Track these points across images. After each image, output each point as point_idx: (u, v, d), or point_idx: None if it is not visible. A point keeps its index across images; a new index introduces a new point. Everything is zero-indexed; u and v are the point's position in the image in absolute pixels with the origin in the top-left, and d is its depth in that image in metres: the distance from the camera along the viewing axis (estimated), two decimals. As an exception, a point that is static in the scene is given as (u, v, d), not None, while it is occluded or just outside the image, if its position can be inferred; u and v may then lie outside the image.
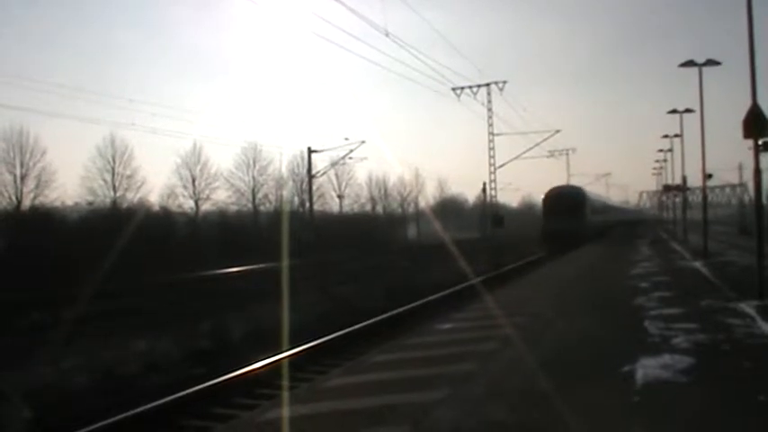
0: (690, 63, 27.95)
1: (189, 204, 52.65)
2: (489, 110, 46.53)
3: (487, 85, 45.43)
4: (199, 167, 53.05)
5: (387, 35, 21.15)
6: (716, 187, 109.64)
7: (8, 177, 42.71)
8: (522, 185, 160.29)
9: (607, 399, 7.25)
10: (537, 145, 49.34)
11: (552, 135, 50.11)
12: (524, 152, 49.60)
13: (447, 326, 12.72)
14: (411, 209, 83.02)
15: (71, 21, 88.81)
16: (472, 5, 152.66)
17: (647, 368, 8.52)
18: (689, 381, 7.99)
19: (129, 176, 48.21)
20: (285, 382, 10.65)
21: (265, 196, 58.29)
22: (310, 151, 53.81)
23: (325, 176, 60.92)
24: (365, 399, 7.48)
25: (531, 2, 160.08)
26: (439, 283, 24.11)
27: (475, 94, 44.26)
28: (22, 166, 43.31)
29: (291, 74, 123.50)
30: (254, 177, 57.30)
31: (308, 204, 57.13)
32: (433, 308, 18.53)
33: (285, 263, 22.78)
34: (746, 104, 15.38)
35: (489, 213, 54.56)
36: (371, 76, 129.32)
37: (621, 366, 8.61)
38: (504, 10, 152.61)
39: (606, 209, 66.86)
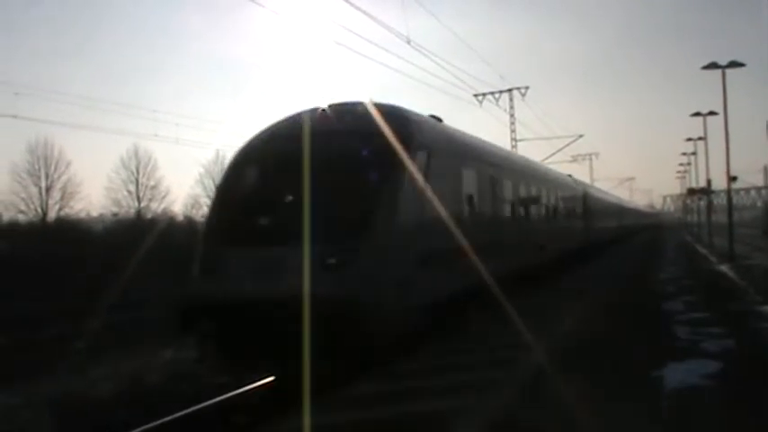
0: (713, 65, 27.66)
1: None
2: (512, 116, 46.25)
3: (509, 90, 45.19)
4: (222, 177, 53.24)
5: (408, 42, 21.03)
6: (740, 190, 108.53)
7: (33, 189, 43.35)
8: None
9: (635, 404, 7.17)
10: (560, 150, 48.49)
11: (575, 140, 49.30)
12: (547, 157, 48.84)
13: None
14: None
15: (93, 33, 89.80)
16: (493, 12, 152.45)
17: (676, 373, 8.43)
18: (717, 385, 7.90)
19: (153, 187, 48.78)
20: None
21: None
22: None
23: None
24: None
25: (551, 7, 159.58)
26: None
27: (497, 99, 43.98)
28: (47, 177, 43.96)
29: (312, 82, 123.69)
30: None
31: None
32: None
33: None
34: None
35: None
36: (392, 84, 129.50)
37: (650, 371, 8.53)
38: (525, 16, 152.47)
39: (585, 202, 31.68)
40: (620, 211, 53.90)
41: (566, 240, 25.09)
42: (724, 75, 27.91)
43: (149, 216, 46.17)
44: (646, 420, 6.63)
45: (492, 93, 43.64)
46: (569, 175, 32.25)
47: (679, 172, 71.47)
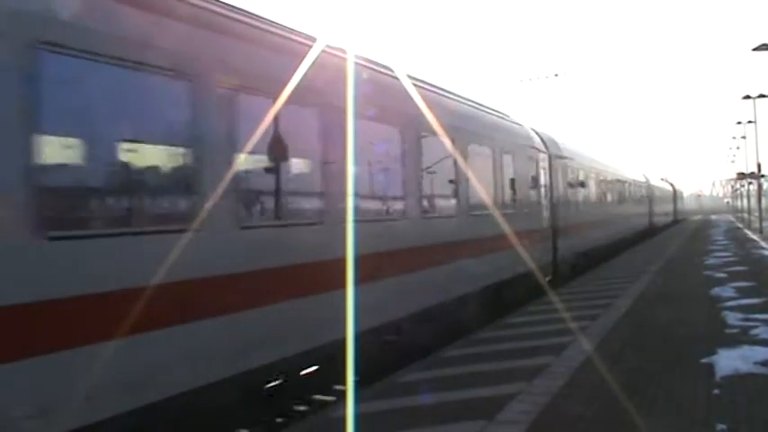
0: (763, 47, 27.17)
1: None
2: (556, 100, 45.81)
3: (556, 75, 44.86)
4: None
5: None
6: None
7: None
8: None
9: (688, 389, 7.24)
10: (606, 135, 46.92)
11: (621, 124, 47.82)
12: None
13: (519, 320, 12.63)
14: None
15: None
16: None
17: (727, 360, 8.41)
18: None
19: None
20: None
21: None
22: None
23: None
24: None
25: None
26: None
27: (541, 84, 43.67)
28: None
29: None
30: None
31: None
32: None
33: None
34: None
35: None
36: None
37: (700, 357, 8.54)
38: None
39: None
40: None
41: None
42: (775, 56, 27.43)
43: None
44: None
45: (537, 77, 43.40)
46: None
47: (728, 156, 70.18)
